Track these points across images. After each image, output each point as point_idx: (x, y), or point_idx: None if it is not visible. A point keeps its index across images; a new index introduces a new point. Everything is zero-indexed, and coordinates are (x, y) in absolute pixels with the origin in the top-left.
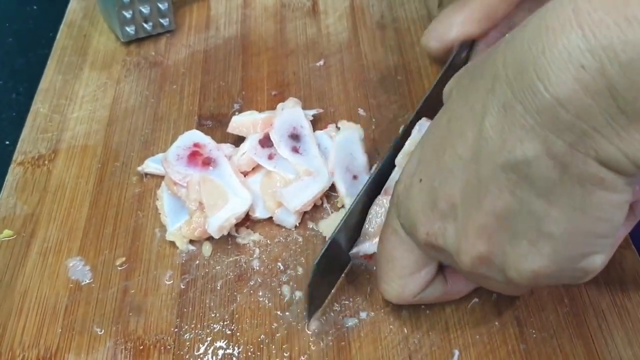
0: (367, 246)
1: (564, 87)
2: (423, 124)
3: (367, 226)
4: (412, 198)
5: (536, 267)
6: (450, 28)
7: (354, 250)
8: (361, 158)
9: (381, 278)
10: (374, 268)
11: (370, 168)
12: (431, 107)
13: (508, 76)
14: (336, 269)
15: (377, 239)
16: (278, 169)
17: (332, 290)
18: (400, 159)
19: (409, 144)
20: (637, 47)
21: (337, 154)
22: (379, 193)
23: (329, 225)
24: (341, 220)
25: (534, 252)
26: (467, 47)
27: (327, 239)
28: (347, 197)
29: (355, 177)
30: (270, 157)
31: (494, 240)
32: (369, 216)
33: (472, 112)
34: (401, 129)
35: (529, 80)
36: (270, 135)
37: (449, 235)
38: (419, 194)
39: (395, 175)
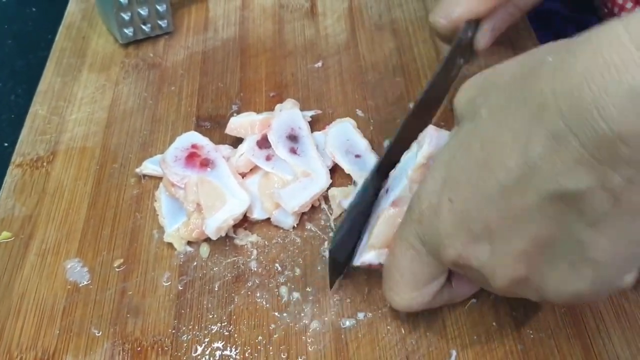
0: (372, 256)
1: (628, 124)
2: (433, 135)
3: (373, 238)
4: (441, 218)
5: (576, 290)
6: (457, 5)
7: (359, 260)
8: (361, 142)
9: (391, 289)
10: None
11: (372, 149)
12: (437, 91)
13: (561, 108)
14: (355, 236)
15: (383, 250)
16: (276, 170)
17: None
18: (412, 174)
19: (421, 157)
20: None
21: (333, 141)
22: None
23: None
24: (357, 191)
25: (576, 276)
26: (474, 26)
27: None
28: (353, 172)
29: (357, 156)
30: (268, 158)
31: (532, 264)
32: (375, 228)
33: (514, 139)
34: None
35: (589, 116)
36: (268, 137)
37: (483, 258)
38: (449, 215)
39: (404, 188)
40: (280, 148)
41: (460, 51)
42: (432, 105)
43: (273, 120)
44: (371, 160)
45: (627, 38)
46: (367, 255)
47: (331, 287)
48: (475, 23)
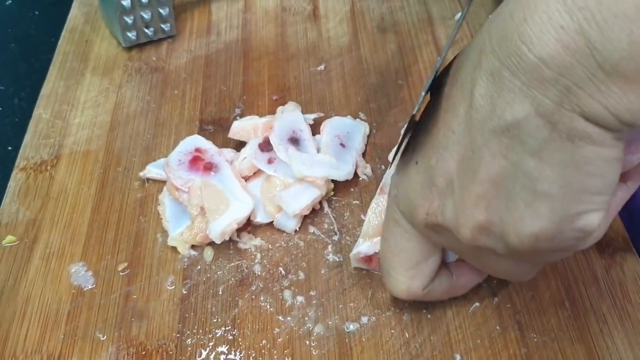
0: (367, 247)
1: (546, 47)
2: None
3: (365, 227)
4: (410, 181)
5: (535, 229)
6: None
7: (354, 251)
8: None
9: (388, 273)
10: (376, 271)
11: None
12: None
13: (493, 47)
14: None
15: (376, 239)
16: (278, 173)
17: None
18: (392, 156)
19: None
20: (612, 6)
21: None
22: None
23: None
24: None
25: (531, 213)
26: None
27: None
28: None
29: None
30: (270, 161)
31: (491, 208)
32: (367, 216)
33: (462, 88)
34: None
35: (514, 45)
36: (270, 139)
37: (447, 210)
38: (416, 176)
39: (388, 173)
40: (282, 150)
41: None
42: None
43: (275, 123)
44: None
45: None
46: (361, 247)
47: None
48: None
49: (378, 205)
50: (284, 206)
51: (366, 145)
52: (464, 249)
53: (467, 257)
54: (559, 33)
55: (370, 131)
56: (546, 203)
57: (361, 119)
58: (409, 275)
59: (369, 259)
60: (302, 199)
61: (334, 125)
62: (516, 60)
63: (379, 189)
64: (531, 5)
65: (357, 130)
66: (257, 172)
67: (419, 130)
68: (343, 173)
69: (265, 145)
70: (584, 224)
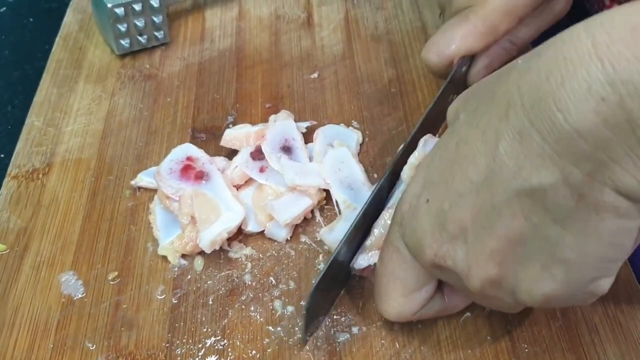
0: (362, 259)
1: (584, 118)
2: (428, 140)
3: (371, 241)
4: (419, 219)
5: (548, 291)
6: (451, 42)
7: (356, 262)
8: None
9: (381, 297)
10: (368, 281)
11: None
12: (431, 123)
13: (524, 105)
14: (337, 286)
15: (372, 252)
16: (270, 182)
17: (331, 308)
18: (406, 172)
19: (415, 158)
20: None
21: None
22: (381, 208)
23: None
24: (343, 237)
25: (547, 276)
26: (468, 61)
27: (327, 258)
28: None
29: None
30: (261, 170)
31: (505, 264)
32: (375, 230)
33: (483, 137)
34: (400, 147)
35: (548, 110)
36: (262, 147)
37: (458, 257)
38: (426, 216)
39: (399, 191)
40: (274, 159)
41: (454, 86)
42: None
43: (267, 131)
44: (365, 193)
45: (585, 36)
46: (357, 258)
47: (305, 340)
48: (469, 58)
49: (386, 222)
50: (276, 215)
51: (359, 153)
52: (469, 292)
53: (470, 296)
54: (598, 104)
55: (363, 139)
56: (563, 268)
57: (354, 127)
58: (401, 302)
59: (366, 269)
60: (294, 208)
61: (326, 134)
62: (549, 127)
63: (388, 206)
64: (570, 68)
65: (350, 138)
66: (249, 181)
67: (432, 163)
68: None
69: (257, 154)
70: (595, 289)
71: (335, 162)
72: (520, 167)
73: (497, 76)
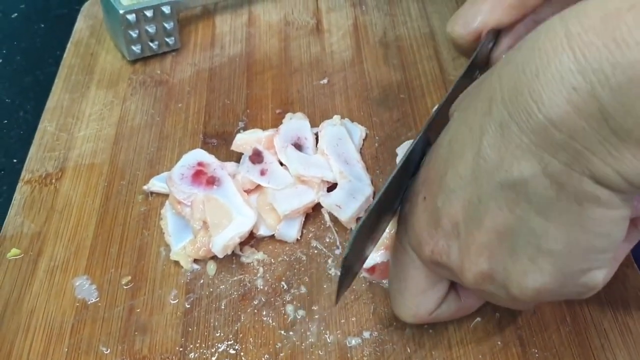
0: (371, 258)
1: (557, 108)
2: None
3: (384, 238)
4: (417, 216)
5: (537, 284)
6: (479, 14)
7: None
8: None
9: (395, 299)
10: (378, 286)
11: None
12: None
13: (504, 97)
14: (378, 231)
15: (380, 252)
16: (272, 184)
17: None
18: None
19: None
20: (626, 70)
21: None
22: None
23: None
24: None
25: (535, 269)
26: (493, 38)
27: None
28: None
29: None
30: (262, 173)
31: (495, 258)
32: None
33: (470, 133)
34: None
35: (524, 101)
36: (274, 141)
37: (452, 253)
38: (423, 213)
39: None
40: (282, 151)
41: (478, 64)
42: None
43: (282, 126)
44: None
45: (559, 26)
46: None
47: (337, 302)
48: (494, 35)
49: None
50: (276, 205)
51: (361, 150)
52: (466, 287)
53: (472, 291)
54: (570, 94)
55: (373, 145)
56: (550, 260)
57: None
58: (416, 302)
59: (372, 269)
60: (295, 201)
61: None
62: (525, 118)
63: None
64: (544, 59)
65: (354, 132)
66: (259, 186)
67: (429, 161)
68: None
69: (256, 157)
70: (588, 281)
71: (333, 138)
72: (502, 160)
73: (487, 72)
